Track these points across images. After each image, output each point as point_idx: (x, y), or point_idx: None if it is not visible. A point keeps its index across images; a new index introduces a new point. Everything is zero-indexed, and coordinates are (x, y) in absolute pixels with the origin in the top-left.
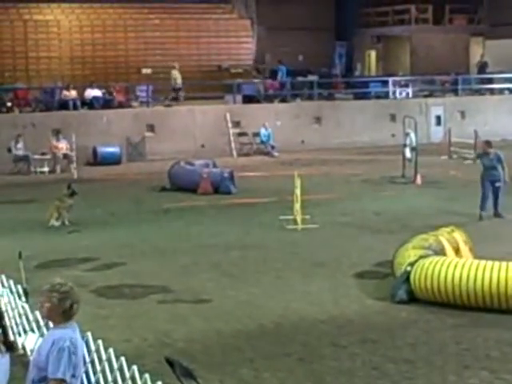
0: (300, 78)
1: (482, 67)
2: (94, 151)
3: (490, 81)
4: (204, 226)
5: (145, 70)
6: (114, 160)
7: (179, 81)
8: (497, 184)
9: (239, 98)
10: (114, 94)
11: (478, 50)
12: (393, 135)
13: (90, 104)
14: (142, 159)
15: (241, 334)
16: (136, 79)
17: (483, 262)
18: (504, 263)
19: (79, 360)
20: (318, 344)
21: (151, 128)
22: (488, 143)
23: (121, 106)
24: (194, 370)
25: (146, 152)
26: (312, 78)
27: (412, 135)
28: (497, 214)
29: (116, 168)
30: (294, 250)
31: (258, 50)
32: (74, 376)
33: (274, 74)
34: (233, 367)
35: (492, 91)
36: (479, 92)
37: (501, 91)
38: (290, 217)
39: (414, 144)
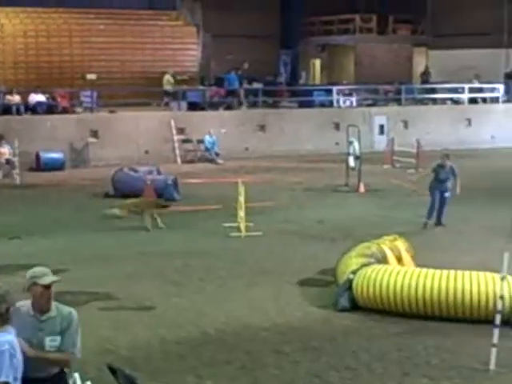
0: (245, 86)
1: (426, 77)
2: (37, 157)
3: (433, 91)
4: (147, 233)
5: (89, 76)
6: (57, 166)
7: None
8: (446, 194)
9: (184, 104)
10: (58, 99)
11: (421, 60)
12: (336, 144)
13: (34, 109)
14: (86, 165)
15: (184, 341)
16: (80, 85)
17: (424, 270)
18: (445, 272)
19: (19, 362)
20: (260, 351)
21: (95, 134)
22: (447, 156)
23: (65, 111)
24: (137, 378)
25: (89, 158)
26: (257, 85)
27: (355, 144)
28: (439, 223)
29: (59, 174)
30: (237, 257)
31: (203, 57)
32: (15, 379)
33: (220, 82)
34: (176, 375)
35: (434, 101)
36: (422, 102)
37: (443, 101)
38: (234, 224)
39: (357, 153)
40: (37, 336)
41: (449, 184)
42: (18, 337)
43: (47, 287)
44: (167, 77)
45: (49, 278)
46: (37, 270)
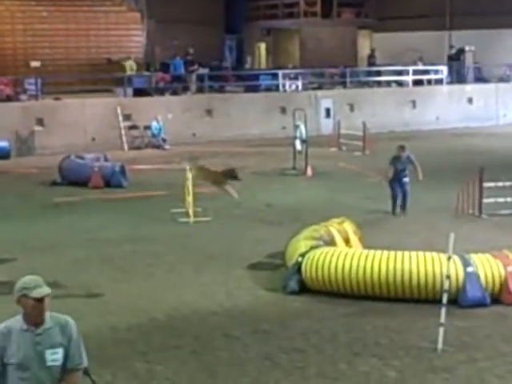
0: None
1: (372, 60)
2: None
3: (378, 73)
4: (95, 220)
5: (33, 63)
6: (2, 155)
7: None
8: (404, 180)
9: (130, 91)
10: (2, 87)
11: (365, 43)
12: (283, 128)
13: None
14: (32, 153)
15: (134, 327)
16: (24, 72)
17: (372, 252)
18: (392, 253)
19: None
20: (210, 336)
21: (40, 122)
22: (402, 148)
23: (9, 99)
24: (88, 366)
25: (35, 146)
26: (202, 70)
27: (302, 127)
28: (403, 211)
29: (5, 163)
30: (186, 242)
31: (148, 43)
32: None
33: (165, 67)
34: (125, 361)
35: (380, 84)
36: (367, 84)
37: (388, 84)
38: (182, 210)
39: (304, 136)
40: (36, 351)
41: (407, 173)
42: (16, 359)
43: (40, 300)
44: (130, 62)
45: (41, 291)
46: (28, 280)
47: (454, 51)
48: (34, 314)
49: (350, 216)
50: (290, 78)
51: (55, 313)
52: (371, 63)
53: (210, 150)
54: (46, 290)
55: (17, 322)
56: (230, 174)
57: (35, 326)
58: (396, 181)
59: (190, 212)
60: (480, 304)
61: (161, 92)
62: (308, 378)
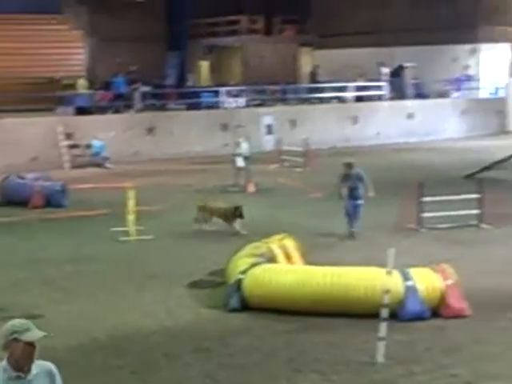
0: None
1: (314, 76)
2: None
3: (319, 90)
4: (36, 240)
5: None
6: None
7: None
8: (358, 202)
9: (71, 109)
10: None
11: (307, 60)
12: (225, 145)
13: None
14: None
15: (74, 348)
16: None
17: (312, 267)
18: (334, 268)
19: None
20: (151, 355)
21: None
22: (349, 165)
23: None
24: None
25: None
26: (145, 88)
27: (244, 144)
28: (351, 233)
29: None
30: (128, 261)
31: (90, 61)
32: None
33: (107, 86)
34: (65, 382)
35: (321, 100)
36: (309, 101)
37: (329, 100)
38: (124, 228)
39: (246, 153)
40: None
41: (360, 191)
42: None
43: (31, 344)
44: (82, 81)
45: (33, 334)
46: (17, 323)
47: (386, 68)
48: (25, 359)
49: (291, 232)
50: (233, 95)
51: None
52: (314, 80)
53: (152, 169)
54: (38, 334)
55: (3, 370)
56: (235, 213)
57: (24, 373)
58: (350, 197)
59: (132, 231)
60: (419, 317)
61: (103, 110)
62: None
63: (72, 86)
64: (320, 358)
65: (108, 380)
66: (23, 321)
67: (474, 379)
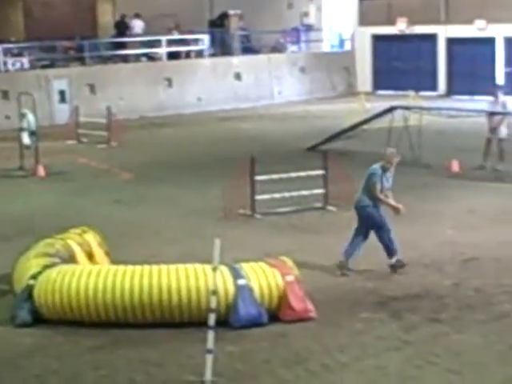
0: None
1: (122, 29)
2: None
3: (124, 45)
4: None
5: None
6: None
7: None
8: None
9: None
10: None
11: (107, 8)
12: (7, 117)
13: None
14: None
15: None
16: None
17: (122, 267)
18: (146, 268)
19: None
20: None
21: None
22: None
23: None
24: None
25: None
26: None
27: (30, 116)
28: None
29: None
30: None
31: None
32: None
33: None
34: None
35: (127, 58)
36: (112, 60)
37: (137, 58)
38: None
39: (33, 127)
40: None
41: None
42: None
43: None
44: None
45: None
46: None
47: (216, 16)
48: None
49: (94, 225)
50: (13, 55)
51: None
52: (121, 33)
53: None
54: None
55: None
56: None
57: None
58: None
59: None
60: (255, 323)
61: None
62: None
63: None
64: (135, 378)
65: None
66: None
67: None
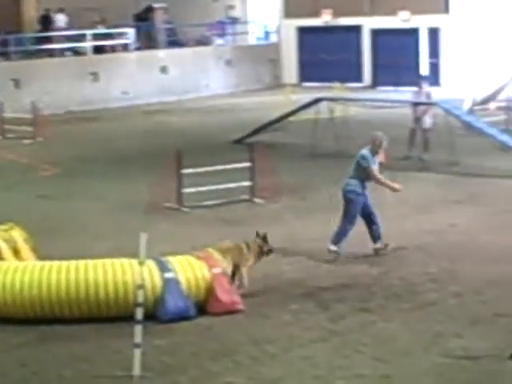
0: None
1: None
2: None
3: (49, 40)
4: None
5: None
6: None
7: None
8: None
9: None
10: None
11: (31, 3)
12: None
13: None
14: None
15: None
16: None
17: (48, 263)
18: (72, 263)
19: None
20: None
21: None
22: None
23: None
24: None
25: None
26: None
27: None
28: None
29: None
30: None
31: None
32: None
33: None
34: None
35: (52, 53)
36: (36, 55)
37: (62, 53)
38: None
39: None
40: None
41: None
42: None
43: None
44: None
45: None
46: None
47: (141, 9)
48: None
49: (19, 221)
50: None
51: None
52: (46, 28)
53: None
54: None
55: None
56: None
57: None
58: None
59: None
60: (183, 316)
61: None
62: None
63: None
64: (64, 375)
65: None
66: None
67: None
